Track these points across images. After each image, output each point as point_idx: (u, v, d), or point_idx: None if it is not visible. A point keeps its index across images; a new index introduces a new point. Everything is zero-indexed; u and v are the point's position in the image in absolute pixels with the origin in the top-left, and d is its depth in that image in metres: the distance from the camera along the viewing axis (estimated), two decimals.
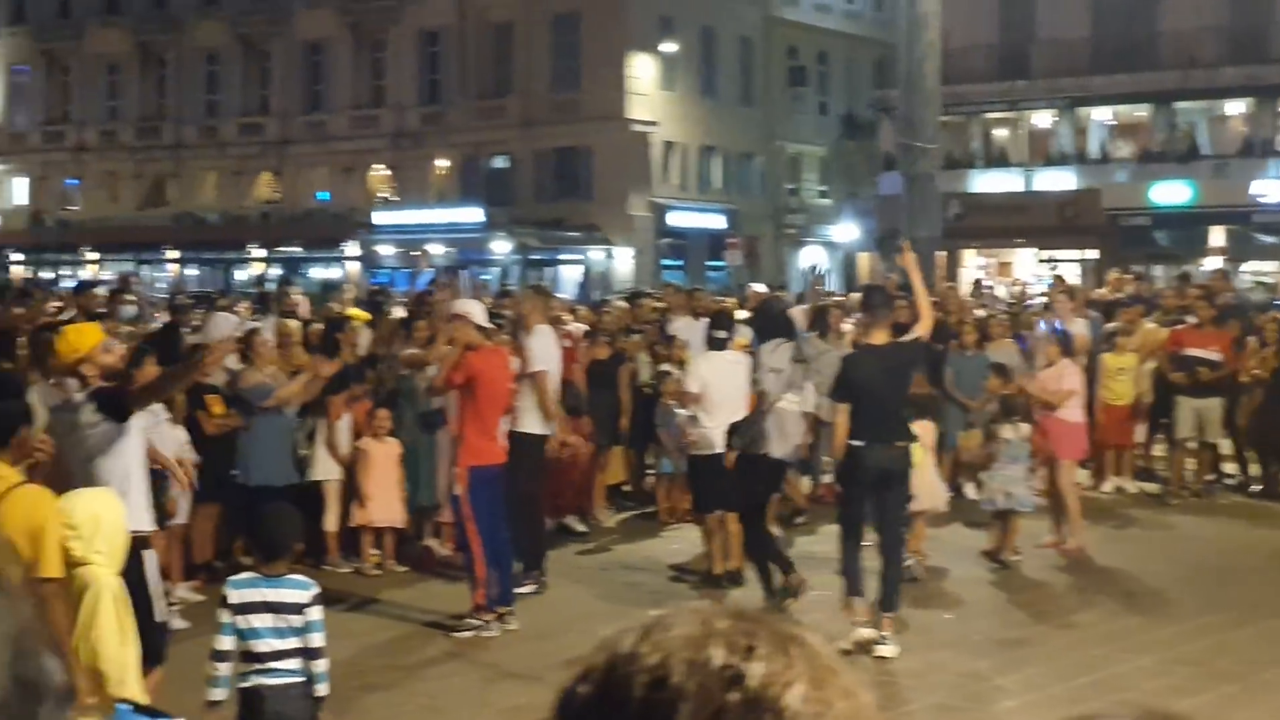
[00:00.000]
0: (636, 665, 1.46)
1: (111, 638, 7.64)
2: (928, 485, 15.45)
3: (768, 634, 1.49)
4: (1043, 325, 19.60)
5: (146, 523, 9.38)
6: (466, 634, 12.52)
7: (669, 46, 62.81)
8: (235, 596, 8.05)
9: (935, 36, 28.60)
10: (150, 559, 9.34)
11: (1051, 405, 16.10)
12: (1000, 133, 59.57)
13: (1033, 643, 12.33)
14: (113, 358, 9.81)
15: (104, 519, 7.84)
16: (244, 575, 8.27)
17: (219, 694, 8.03)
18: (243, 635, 8.00)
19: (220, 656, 8.03)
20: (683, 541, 16.80)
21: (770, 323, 14.69)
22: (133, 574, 8.98)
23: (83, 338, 9.83)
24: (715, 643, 1.46)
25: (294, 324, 17.07)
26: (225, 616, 8.03)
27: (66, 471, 9.29)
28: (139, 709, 7.46)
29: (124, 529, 8.01)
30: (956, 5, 41.30)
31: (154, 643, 8.84)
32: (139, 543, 9.17)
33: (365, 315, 19.17)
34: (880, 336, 12.43)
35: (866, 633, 11.92)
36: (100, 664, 7.60)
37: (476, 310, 13.31)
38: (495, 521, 12.74)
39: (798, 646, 1.50)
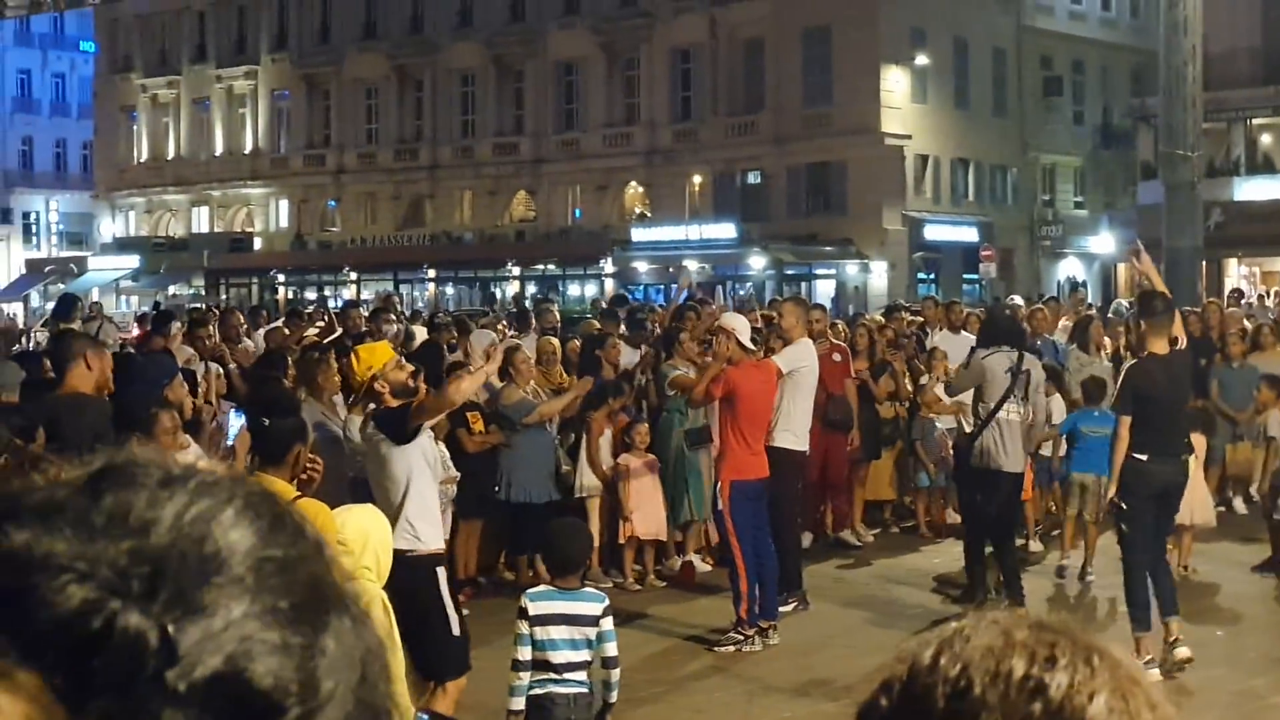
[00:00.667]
0: (937, 676, 1.48)
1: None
2: (1200, 500, 15.16)
3: (1069, 644, 1.50)
4: None
5: (438, 540, 9.60)
6: (729, 648, 12.56)
7: (921, 59, 62.45)
8: (534, 608, 8.26)
9: (1196, 41, 28.11)
10: (442, 575, 9.57)
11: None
12: (1265, 138, 58.19)
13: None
14: (404, 375, 10.06)
15: (372, 536, 8.04)
16: (541, 588, 8.48)
17: (518, 703, 8.26)
18: (539, 646, 8.20)
19: (520, 666, 8.26)
20: (943, 556, 16.68)
21: (993, 330, 14.52)
22: (430, 590, 9.22)
23: (375, 355, 10.10)
24: (1016, 653, 1.47)
25: (554, 341, 17.29)
26: (524, 628, 8.25)
27: (339, 490, 9.57)
28: (435, 716, 7.66)
29: (390, 546, 8.21)
30: (1217, 9, 40.53)
31: (455, 654, 9.09)
32: (433, 560, 9.42)
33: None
34: (1161, 346, 11.87)
35: (1183, 651, 11.51)
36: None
37: (741, 325, 13.35)
38: (759, 536, 12.78)
39: (1100, 657, 1.51)
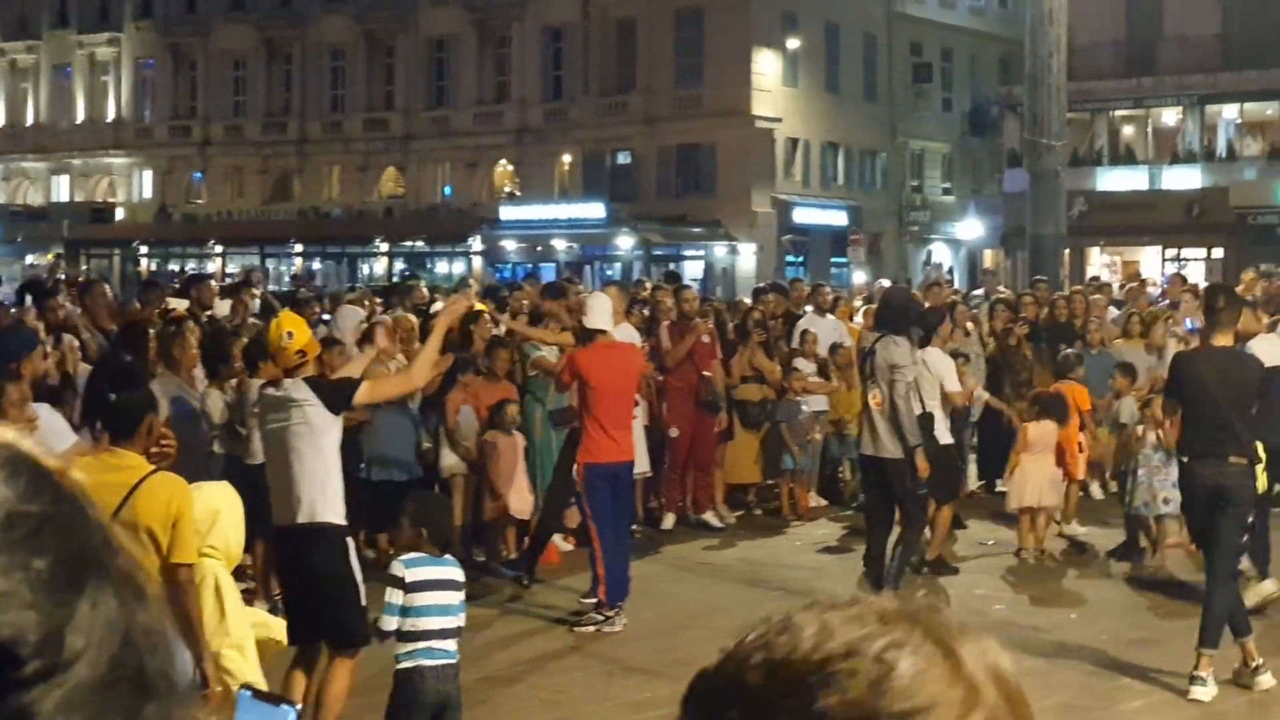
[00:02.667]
0: (793, 656, 1.45)
1: (212, 626, 7.76)
2: (1049, 482, 15.38)
3: (922, 631, 1.47)
4: (1188, 324, 19.29)
5: (343, 514, 9.52)
6: (589, 629, 12.56)
7: (793, 42, 62.73)
8: (411, 574, 8.22)
9: (1062, 32, 28.40)
10: (351, 547, 9.51)
11: None
12: (1127, 130, 58.99)
13: (1160, 643, 12.19)
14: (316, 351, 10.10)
15: (222, 514, 7.96)
16: (413, 555, 8.36)
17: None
18: (412, 613, 8.15)
19: (388, 636, 8.22)
20: (805, 538, 16.79)
21: (880, 314, 14.52)
22: (346, 561, 9.16)
23: (299, 327, 9.97)
24: (870, 639, 1.45)
25: (412, 318, 17.17)
26: (397, 597, 8.18)
27: (196, 464, 9.47)
28: (259, 694, 7.58)
29: (241, 525, 8.14)
30: (1083, 1, 41.00)
31: (362, 625, 9.01)
32: (347, 531, 9.36)
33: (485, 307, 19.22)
34: (1223, 339, 11.32)
35: (1264, 680, 10.92)
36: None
37: (594, 308, 13.32)
38: (617, 519, 12.78)
39: (955, 640, 1.48)
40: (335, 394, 9.46)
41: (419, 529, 8.38)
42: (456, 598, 8.36)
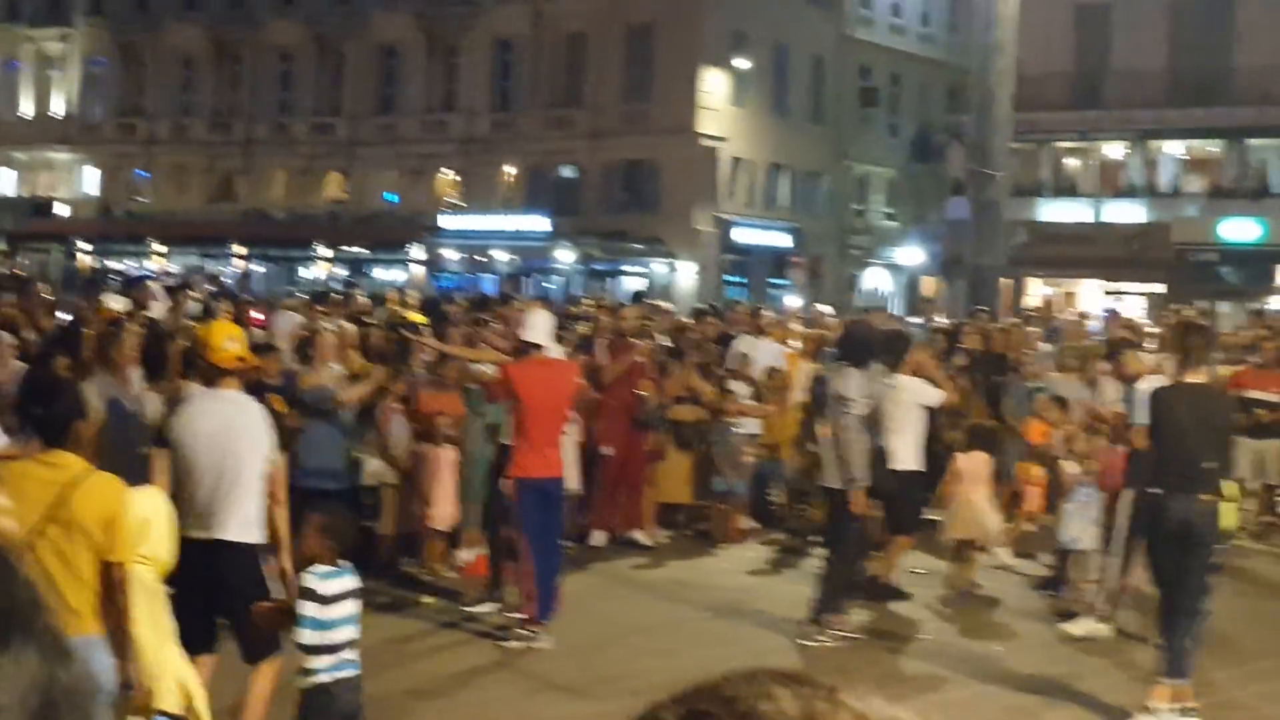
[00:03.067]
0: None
1: (146, 629, 7.71)
2: (983, 515, 15.41)
3: (812, 710, 1.44)
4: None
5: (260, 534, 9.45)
6: (516, 644, 12.53)
7: (741, 62, 62.79)
8: (324, 587, 8.17)
9: (1009, 64, 28.56)
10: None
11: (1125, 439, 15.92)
12: (1071, 162, 59.29)
13: (1083, 678, 12.24)
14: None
15: (153, 522, 7.90)
16: (322, 567, 8.28)
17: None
18: (325, 626, 8.10)
19: (309, 650, 8.16)
20: (733, 561, 16.79)
21: (848, 345, 14.41)
22: (260, 573, 9.10)
23: (237, 334, 9.87)
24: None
25: (351, 327, 17.12)
26: (313, 610, 8.12)
27: (131, 464, 9.38)
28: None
29: (168, 529, 8.08)
30: (1032, 33, 41.20)
31: (276, 635, 8.94)
32: (263, 544, 9.31)
33: (423, 319, 19.18)
34: (1196, 375, 11.49)
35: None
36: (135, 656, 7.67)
37: (532, 323, 13.27)
38: (546, 535, 12.74)
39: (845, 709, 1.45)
40: (270, 424, 9.48)
41: (326, 540, 8.32)
42: (358, 608, 8.34)
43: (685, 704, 1.42)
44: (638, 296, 25.43)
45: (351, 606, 8.25)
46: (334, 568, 8.24)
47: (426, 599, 14.24)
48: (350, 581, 8.28)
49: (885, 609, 14.63)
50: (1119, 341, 16.72)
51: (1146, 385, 13.70)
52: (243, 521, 9.22)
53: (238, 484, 9.24)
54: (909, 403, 14.78)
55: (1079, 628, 13.67)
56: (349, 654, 8.23)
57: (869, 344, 13.87)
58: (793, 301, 28.54)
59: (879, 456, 13.78)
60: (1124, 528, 13.78)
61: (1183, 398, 11.27)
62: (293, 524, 9.00)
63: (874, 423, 13.45)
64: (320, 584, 8.16)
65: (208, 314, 17.85)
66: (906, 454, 14.63)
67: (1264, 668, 12.55)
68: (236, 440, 9.32)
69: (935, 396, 15.34)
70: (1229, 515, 11.64)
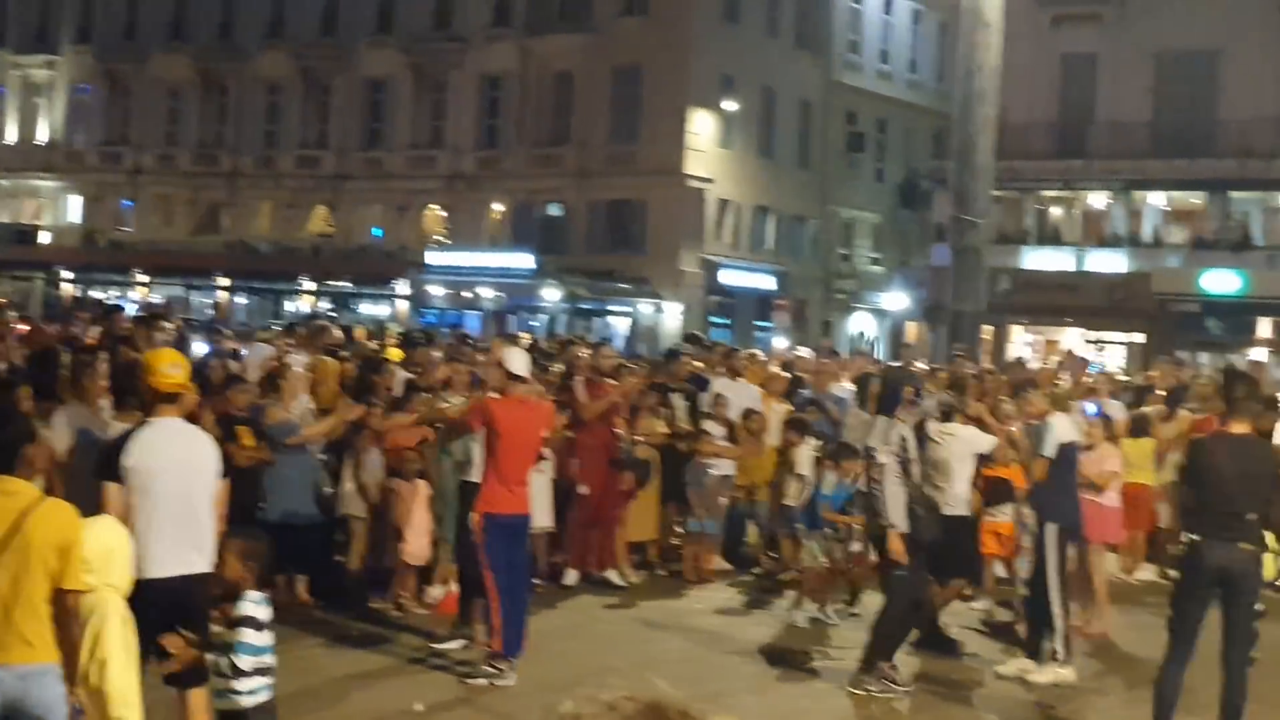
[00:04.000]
0: None
1: (117, 660, 7.69)
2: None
3: None
4: (1087, 407, 19.46)
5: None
6: (481, 681, 12.50)
7: (729, 104, 62.95)
8: (264, 614, 8.30)
9: (991, 112, 28.66)
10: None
11: (1096, 487, 15.99)
12: (1055, 211, 59.47)
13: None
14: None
15: (115, 551, 7.90)
16: (257, 594, 8.35)
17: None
18: (258, 652, 8.17)
19: (244, 675, 8.24)
20: (705, 602, 16.77)
21: (881, 395, 14.05)
22: (203, 605, 9.07)
23: (182, 362, 9.81)
24: None
25: (332, 363, 17.12)
26: (253, 637, 8.24)
27: (96, 495, 9.34)
28: None
29: (129, 561, 8.08)
30: (1017, 82, 41.42)
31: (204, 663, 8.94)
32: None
33: (399, 354, 19.17)
34: (1240, 427, 11.40)
35: None
36: (105, 685, 7.64)
37: (515, 358, 13.26)
38: (512, 572, 12.71)
39: None
40: (220, 459, 9.47)
41: (250, 565, 8.36)
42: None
43: None
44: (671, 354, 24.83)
45: (271, 634, 8.41)
46: (259, 592, 8.34)
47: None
48: (270, 609, 8.44)
49: (934, 657, 14.54)
50: (1023, 382, 16.77)
51: (1056, 420, 14.06)
52: (205, 552, 9.19)
53: (198, 515, 9.21)
54: (962, 451, 14.81)
55: (1045, 675, 13.70)
56: (271, 678, 8.40)
57: (896, 392, 13.72)
58: (780, 344, 28.57)
59: (928, 504, 13.74)
60: (1054, 565, 13.82)
61: (1225, 447, 11.27)
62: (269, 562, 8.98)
63: (913, 470, 13.36)
64: (256, 610, 8.28)
65: (182, 345, 17.80)
66: (957, 500, 14.53)
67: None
68: (195, 471, 9.29)
69: (989, 444, 15.42)
70: (1270, 566, 11.58)
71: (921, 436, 14.09)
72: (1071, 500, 14.25)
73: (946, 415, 14.90)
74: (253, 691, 8.27)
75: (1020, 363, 27.37)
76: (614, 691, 1.51)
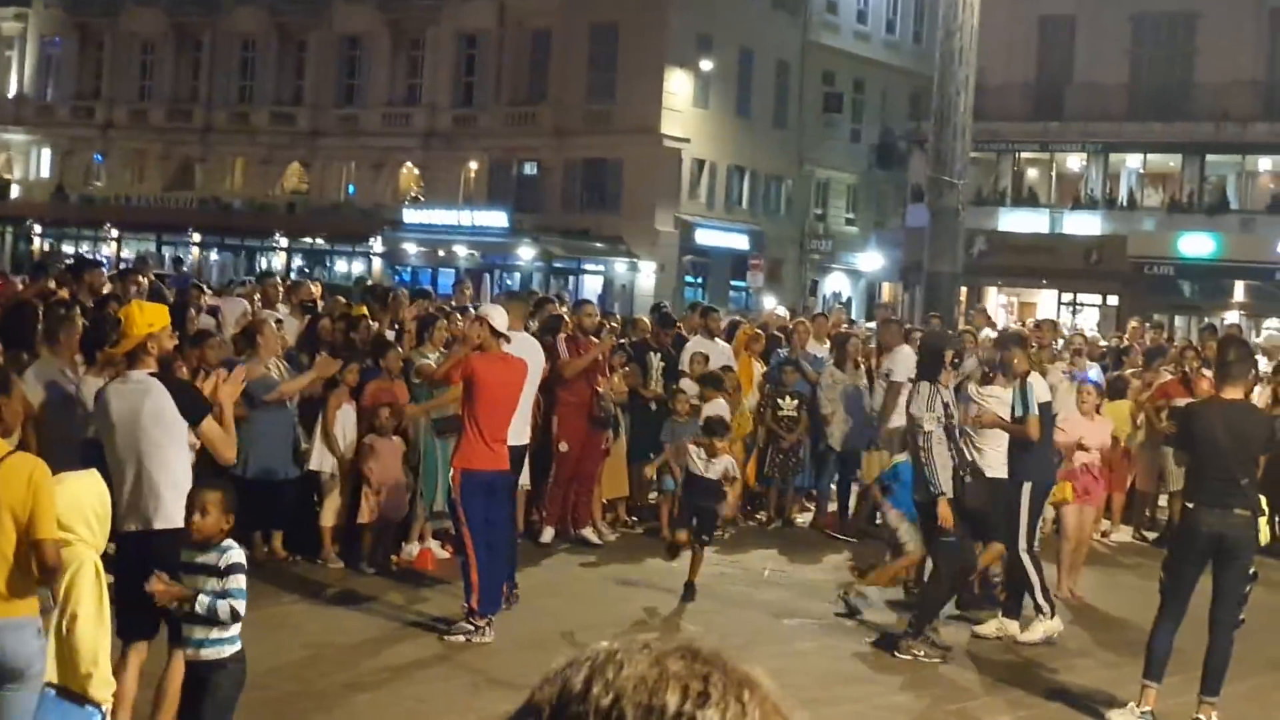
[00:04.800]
0: (588, 706, 1.42)
1: (88, 616, 7.62)
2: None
3: (721, 677, 1.46)
4: (1078, 374, 19.44)
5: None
6: (459, 638, 12.46)
7: (706, 64, 62.80)
8: (244, 560, 8.37)
9: (970, 72, 28.53)
10: None
11: (1085, 450, 15.97)
12: (1031, 172, 59.53)
13: (1024, 686, 12.26)
14: (172, 344, 9.81)
15: (83, 501, 7.81)
16: (232, 542, 8.37)
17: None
18: (241, 597, 8.22)
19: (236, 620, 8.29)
20: (682, 560, 16.75)
21: (920, 360, 14.04)
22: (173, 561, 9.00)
23: (157, 315, 9.70)
24: (669, 687, 1.42)
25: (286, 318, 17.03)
26: (244, 582, 8.26)
27: (68, 451, 9.26)
28: (63, 693, 7.50)
29: (108, 510, 7.99)
30: (994, 43, 41.33)
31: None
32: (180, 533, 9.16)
33: (363, 310, 19.04)
34: (1233, 392, 11.35)
35: None
36: (75, 640, 7.58)
37: (497, 315, 13.22)
38: (492, 529, 12.68)
39: (750, 690, 1.47)
40: (189, 406, 9.29)
41: (229, 515, 8.34)
42: None
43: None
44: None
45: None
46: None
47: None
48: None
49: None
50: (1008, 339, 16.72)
51: (1035, 380, 14.11)
52: (166, 510, 9.10)
53: (156, 471, 9.11)
54: (1004, 413, 14.65)
55: (1034, 632, 13.71)
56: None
57: (937, 357, 13.62)
58: (769, 303, 28.52)
59: (974, 469, 13.60)
60: (1025, 523, 13.84)
61: (1218, 412, 11.28)
62: (241, 517, 8.90)
63: (954, 434, 13.26)
64: (241, 557, 8.32)
65: (156, 299, 17.67)
66: (997, 461, 14.39)
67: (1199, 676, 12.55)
68: (149, 426, 9.20)
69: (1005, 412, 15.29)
70: (1265, 530, 11.60)
71: (963, 399, 14.00)
72: (1046, 460, 14.27)
73: (987, 377, 14.74)
74: (233, 640, 8.30)
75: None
76: (648, 634, 1.44)
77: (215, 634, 8.23)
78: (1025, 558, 13.82)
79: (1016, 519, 13.87)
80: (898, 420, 17.87)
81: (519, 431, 13.84)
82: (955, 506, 12.96)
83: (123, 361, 9.57)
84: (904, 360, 18.43)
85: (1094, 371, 19.95)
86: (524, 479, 15.89)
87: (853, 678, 11.96)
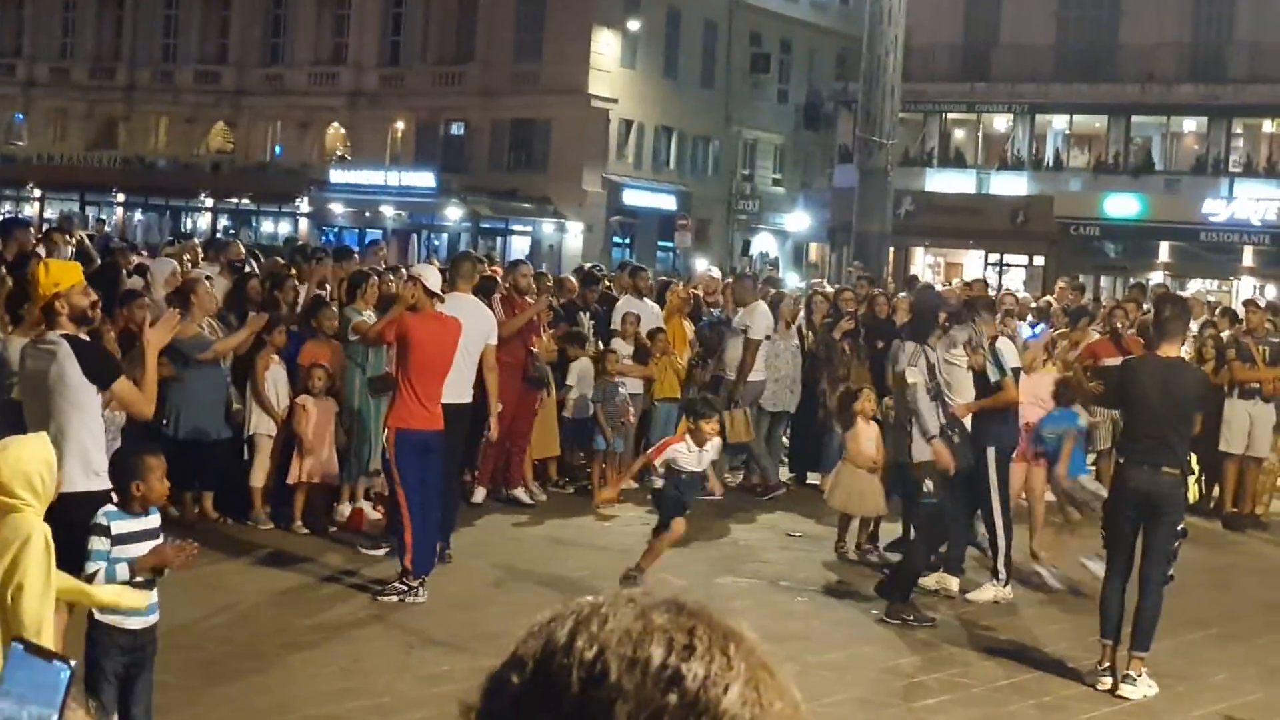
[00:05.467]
0: (572, 659, 1.41)
1: (33, 586, 7.54)
2: (870, 488, 15.36)
3: (706, 630, 1.46)
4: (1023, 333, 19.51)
5: (106, 481, 9.22)
6: (392, 599, 12.43)
7: (634, 24, 62.73)
8: (115, 527, 8.05)
9: (899, 32, 28.65)
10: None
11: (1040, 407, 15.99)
12: (958, 133, 59.77)
13: (958, 643, 12.34)
14: (87, 301, 9.63)
15: (26, 463, 7.72)
16: (116, 509, 8.19)
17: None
18: (86, 558, 7.98)
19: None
20: (614, 521, 16.77)
21: (914, 318, 13.90)
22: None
23: (65, 274, 9.57)
24: (654, 639, 1.42)
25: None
26: (103, 544, 8.00)
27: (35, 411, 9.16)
28: (31, 648, 7.41)
29: (53, 470, 7.90)
30: (922, 3, 41.49)
31: None
32: (107, 496, 9.05)
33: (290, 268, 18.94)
34: (1170, 350, 11.39)
35: (1106, 680, 11.17)
36: (19, 611, 7.50)
37: (431, 274, 13.18)
38: (425, 489, 12.66)
39: (736, 644, 1.47)
40: (95, 370, 9.18)
41: (165, 480, 8.27)
42: None
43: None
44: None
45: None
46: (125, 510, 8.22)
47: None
48: (151, 520, 8.27)
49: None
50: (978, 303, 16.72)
51: (1003, 343, 14.16)
52: (68, 474, 9.00)
53: (59, 434, 9.01)
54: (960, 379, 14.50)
55: (984, 593, 13.75)
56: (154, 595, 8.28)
57: (926, 316, 13.56)
58: (702, 266, 28.59)
59: (963, 431, 13.50)
60: (995, 488, 13.85)
61: (1151, 371, 11.32)
62: (168, 472, 8.78)
63: (939, 395, 13.07)
64: (113, 524, 8.15)
65: (83, 259, 17.53)
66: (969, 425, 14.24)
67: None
68: (54, 388, 9.11)
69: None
70: (1192, 489, 11.66)
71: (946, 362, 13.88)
72: (1010, 424, 14.25)
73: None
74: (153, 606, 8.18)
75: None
76: (633, 589, 1.43)
77: (150, 598, 8.15)
78: (999, 521, 13.81)
79: (984, 484, 13.83)
80: (756, 375, 18.23)
81: (460, 390, 13.78)
82: (940, 474, 12.92)
83: (42, 322, 9.44)
84: (762, 317, 18.67)
85: (1032, 330, 20.03)
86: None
87: (790, 635, 11.98)
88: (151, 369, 9.40)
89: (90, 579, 7.97)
